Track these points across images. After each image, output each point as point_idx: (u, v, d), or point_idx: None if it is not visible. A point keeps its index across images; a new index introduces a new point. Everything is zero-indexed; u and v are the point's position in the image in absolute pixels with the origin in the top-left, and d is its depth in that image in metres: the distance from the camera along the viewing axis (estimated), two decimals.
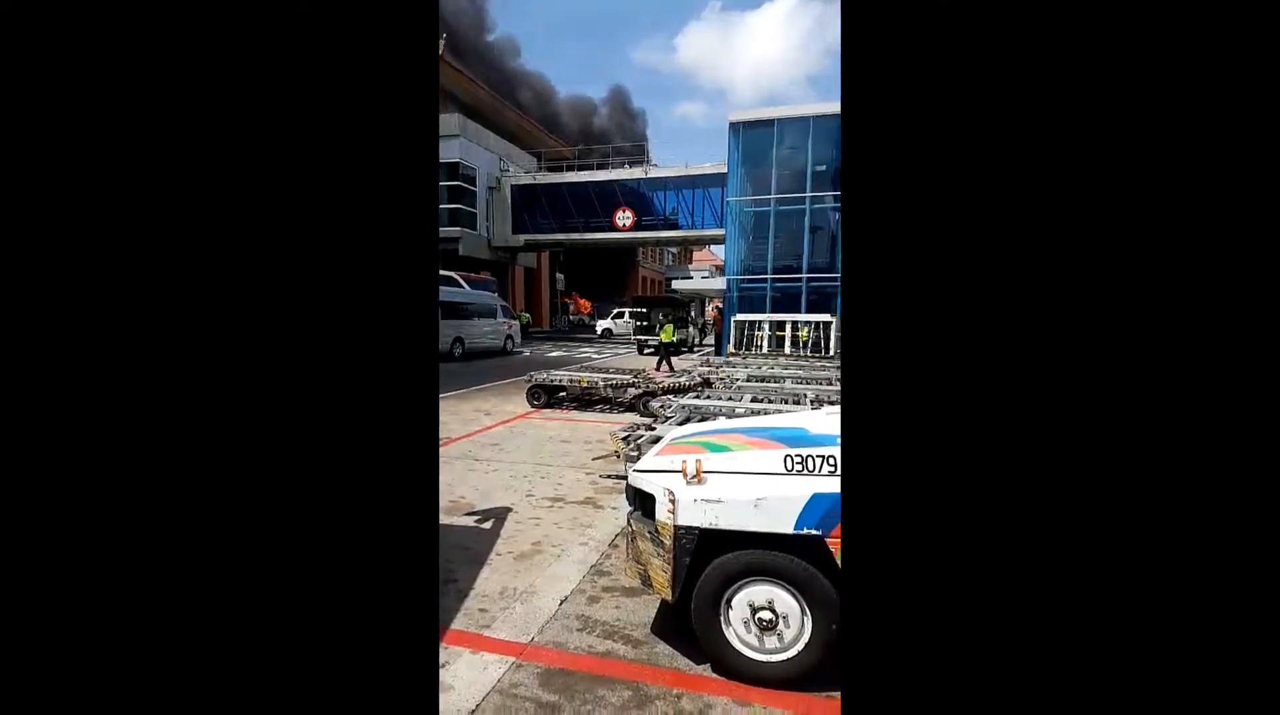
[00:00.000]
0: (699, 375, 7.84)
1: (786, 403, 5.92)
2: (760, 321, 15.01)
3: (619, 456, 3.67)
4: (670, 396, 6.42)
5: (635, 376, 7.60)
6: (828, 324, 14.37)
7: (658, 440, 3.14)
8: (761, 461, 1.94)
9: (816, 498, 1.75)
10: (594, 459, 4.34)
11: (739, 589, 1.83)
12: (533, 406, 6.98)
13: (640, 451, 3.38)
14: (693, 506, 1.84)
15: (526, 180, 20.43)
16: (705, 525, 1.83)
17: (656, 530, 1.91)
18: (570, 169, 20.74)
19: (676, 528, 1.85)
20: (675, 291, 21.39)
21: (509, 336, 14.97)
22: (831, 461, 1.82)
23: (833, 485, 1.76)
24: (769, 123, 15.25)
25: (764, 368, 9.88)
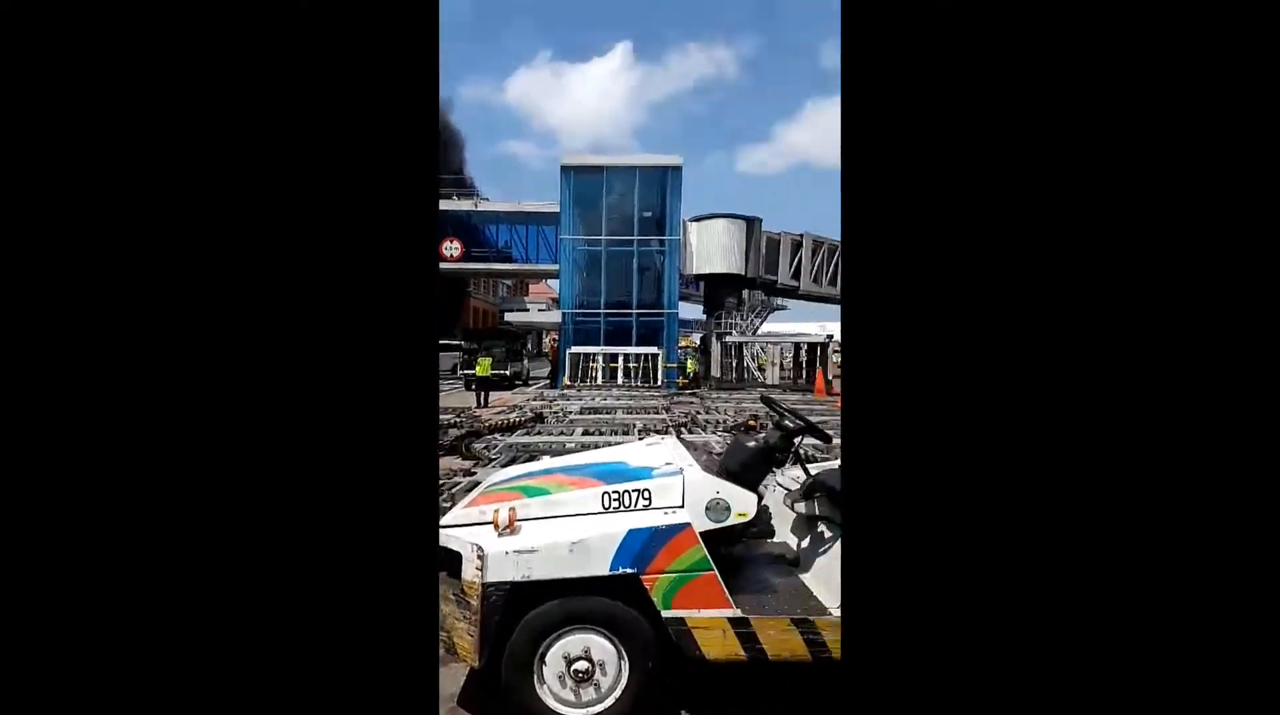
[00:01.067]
0: (531, 410, 7.65)
1: (616, 434, 6.04)
2: (595, 353, 15.35)
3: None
4: (497, 435, 6.13)
5: (458, 415, 7.15)
6: (655, 356, 15.20)
7: (477, 486, 2.93)
8: (579, 502, 1.89)
9: (631, 534, 1.74)
10: None
11: (553, 642, 1.73)
12: None
13: (454, 502, 3.12)
14: (504, 560, 1.71)
15: None
16: (518, 578, 1.71)
17: (462, 590, 1.73)
18: None
19: (485, 586, 1.70)
20: (509, 323, 20.93)
21: None
22: (646, 495, 1.83)
23: (648, 519, 1.77)
24: (599, 169, 16.06)
25: (597, 399, 10.04)
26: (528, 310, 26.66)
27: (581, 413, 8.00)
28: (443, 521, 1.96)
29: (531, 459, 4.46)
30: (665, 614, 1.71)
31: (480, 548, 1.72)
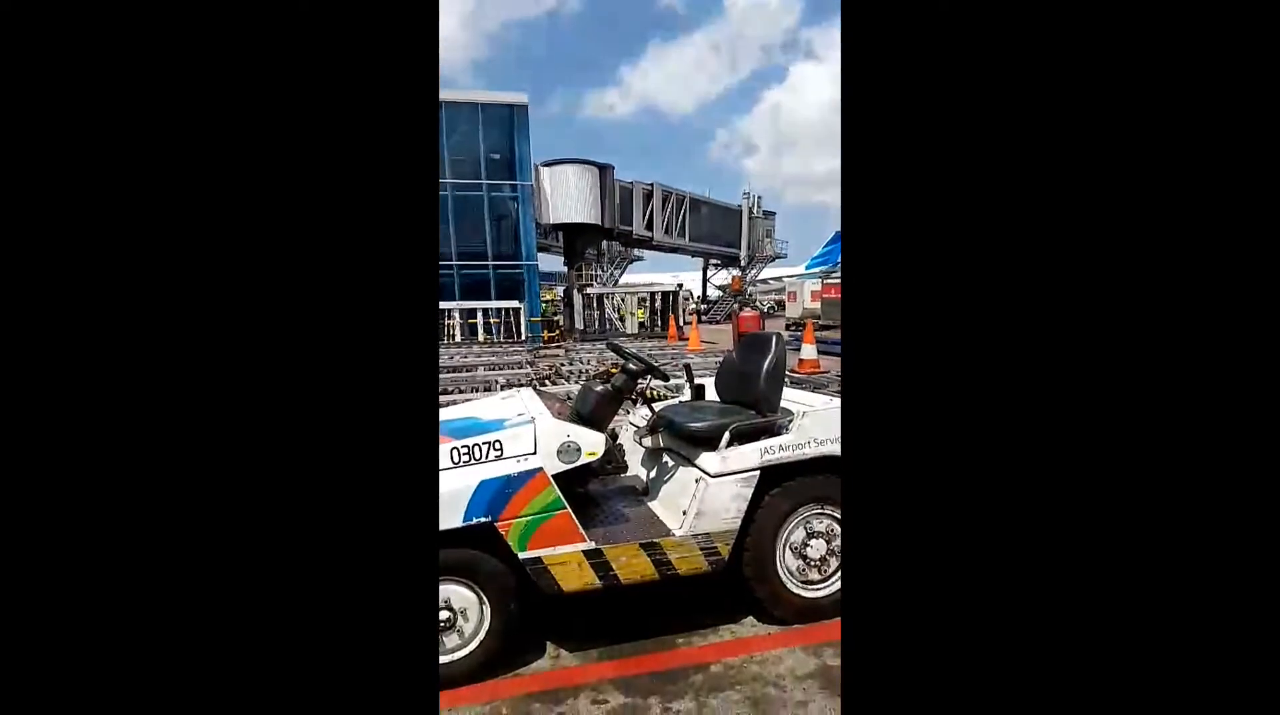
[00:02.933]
0: None
1: (478, 391, 5.88)
2: (450, 309, 14.51)
3: None
4: None
5: None
6: (516, 310, 14.81)
7: None
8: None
9: (483, 485, 1.75)
10: None
11: None
12: None
13: None
14: None
15: None
16: None
17: None
18: None
19: None
20: None
21: None
22: (498, 446, 1.83)
23: (500, 469, 1.79)
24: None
25: (456, 357, 9.60)
26: None
27: (441, 372, 7.64)
28: None
29: None
30: (522, 555, 1.77)
31: None
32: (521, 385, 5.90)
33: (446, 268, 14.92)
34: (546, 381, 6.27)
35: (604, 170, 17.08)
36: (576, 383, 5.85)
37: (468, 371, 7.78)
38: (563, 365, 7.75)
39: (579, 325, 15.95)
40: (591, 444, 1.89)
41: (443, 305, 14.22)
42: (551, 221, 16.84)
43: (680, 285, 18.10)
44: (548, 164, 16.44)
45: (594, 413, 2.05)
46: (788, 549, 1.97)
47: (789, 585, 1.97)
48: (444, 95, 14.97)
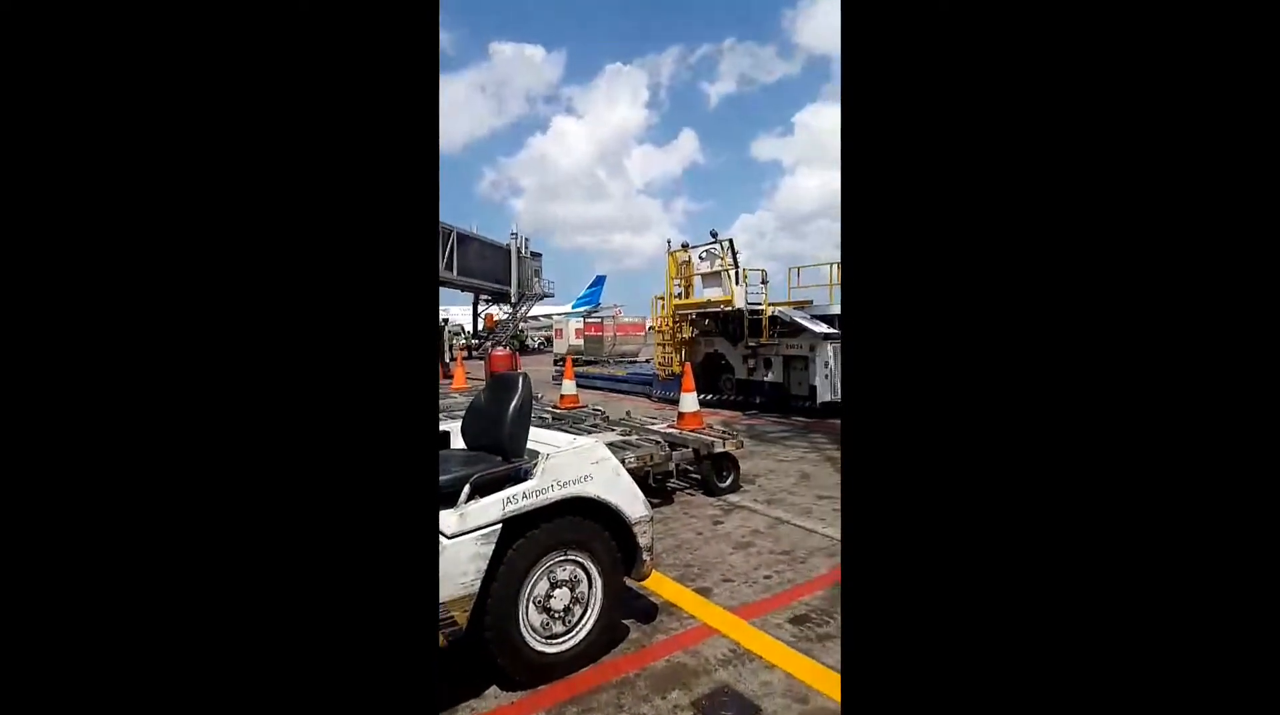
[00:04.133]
0: None
1: None
2: None
3: None
4: None
5: None
6: None
7: None
8: None
9: None
10: None
11: None
12: None
13: None
14: None
15: None
16: None
17: None
18: None
19: None
20: None
21: None
22: None
23: None
24: None
25: None
26: None
27: None
28: None
29: None
30: None
31: None
32: None
33: None
34: None
35: None
36: None
37: None
38: None
39: None
40: None
41: None
42: None
43: (447, 320, 17.15)
44: None
45: None
46: (531, 604, 1.87)
47: (533, 644, 1.87)
48: None
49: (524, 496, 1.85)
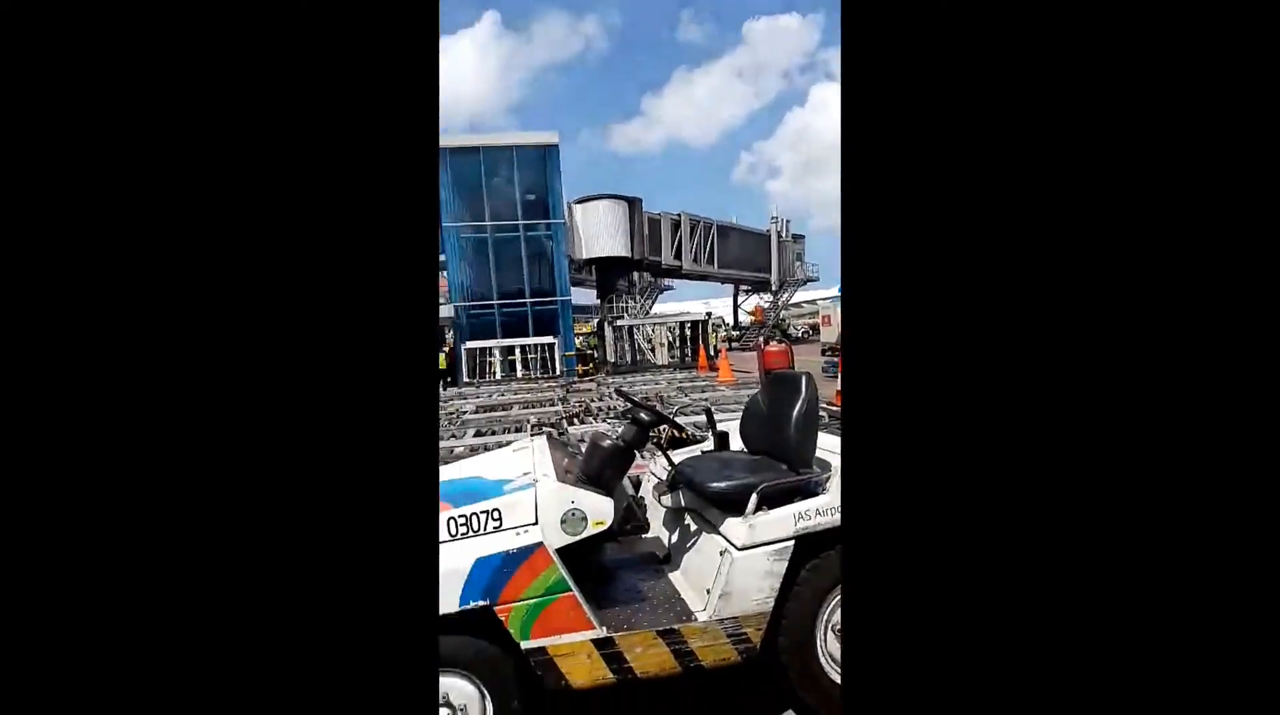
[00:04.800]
0: None
1: (510, 431, 5.78)
2: (491, 347, 14.73)
3: None
4: None
5: None
6: (551, 345, 14.87)
7: None
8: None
9: (480, 564, 1.57)
10: None
11: None
12: None
13: None
14: None
15: None
16: None
17: None
18: None
19: None
20: None
21: None
22: (496, 516, 1.66)
23: (497, 544, 1.60)
24: (475, 150, 15.20)
25: (495, 396, 9.62)
26: None
27: (476, 412, 7.61)
28: None
29: None
30: (525, 645, 1.57)
31: None
32: (551, 424, 5.76)
33: (488, 307, 15.24)
34: (575, 419, 6.11)
35: (633, 203, 17.25)
36: (605, 422, 5.66)
37: (503, 410, 7.74)
38: (593, 401, 7.61)
39: (611, 358, 15.87)
40: (599, 512, 1.68)
41: (483, 344, 14.45)
42: (584, 256, 17.05)
43: (709, 313, 17.80)
44: (579, 200, 16.73)
45: (601, 473, 1.85)
46: (830, 631, 1.69)
47: (832, 674, 1.68)
48: (481, 140, 15.56)
49: (817, 513, 1.68)
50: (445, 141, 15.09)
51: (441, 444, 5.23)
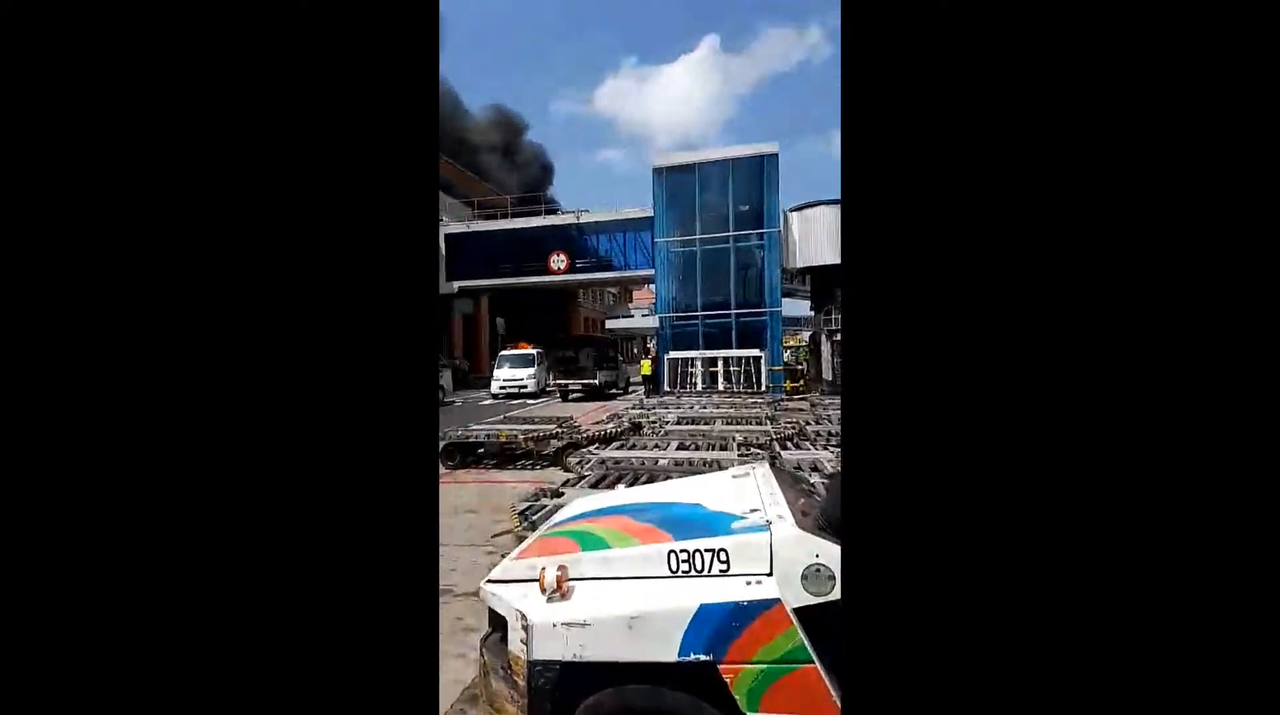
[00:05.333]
0: (629, 420, 7.47)
1: (714, 449, 5.63)
2: (693, 358, 14.97)
3: (516, 536, 3.19)
4: (593, 448, 5.97)
5: (560, 426, 7.11)
6: (757, 358, 14.48)
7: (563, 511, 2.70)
8: (642, 561, 1.55)
9: (705, 611, 1.38)
10: (494, 536, 3.81)
11: None
12: (446, 467, 6.35)
13: (536, 529, 2.93)
14: (551, 634, 1.43)
15: (459, 229, 19.98)
16: (568, 657, 1.41)
17: (509, 664, 1.47)
18: (504, 217, 20.51)
19: (531, 664, 1.42)
20: (610, 331, 21.20)
21: (439, 387, 14.20)
22: (724, 557, 1.46)
23: (726, 590, 1.40)
24: (690, 167, 15.73)
25: (696, 407, 9.65)
26: (631, 316, 26.83)
27: (679, 423, 7.68)
28: (490, 576, 1.72)
29: (620, 480, 4.22)
30: None
31: (524, 616, 1.45)
32: (759, 446, 5.44)
33: (692, 318, 15.57)
34: (789, 443, 5.67)
35: None
36: (824, 449, 5.13)
37: (705, 424, 7.66)
38: (807, 423, 7.02)
39: (826, 375, 14.80)
40: None
41: (686, 354, 14.77)
42: (799, 265, 16.32)
43: None
44: (796, 208, 16.09)
45: None
46: None
47: None
48: (695, 157, 16.03)
49: None
50: (658, 161, 15.91)
51: (643, 454, 5.30)
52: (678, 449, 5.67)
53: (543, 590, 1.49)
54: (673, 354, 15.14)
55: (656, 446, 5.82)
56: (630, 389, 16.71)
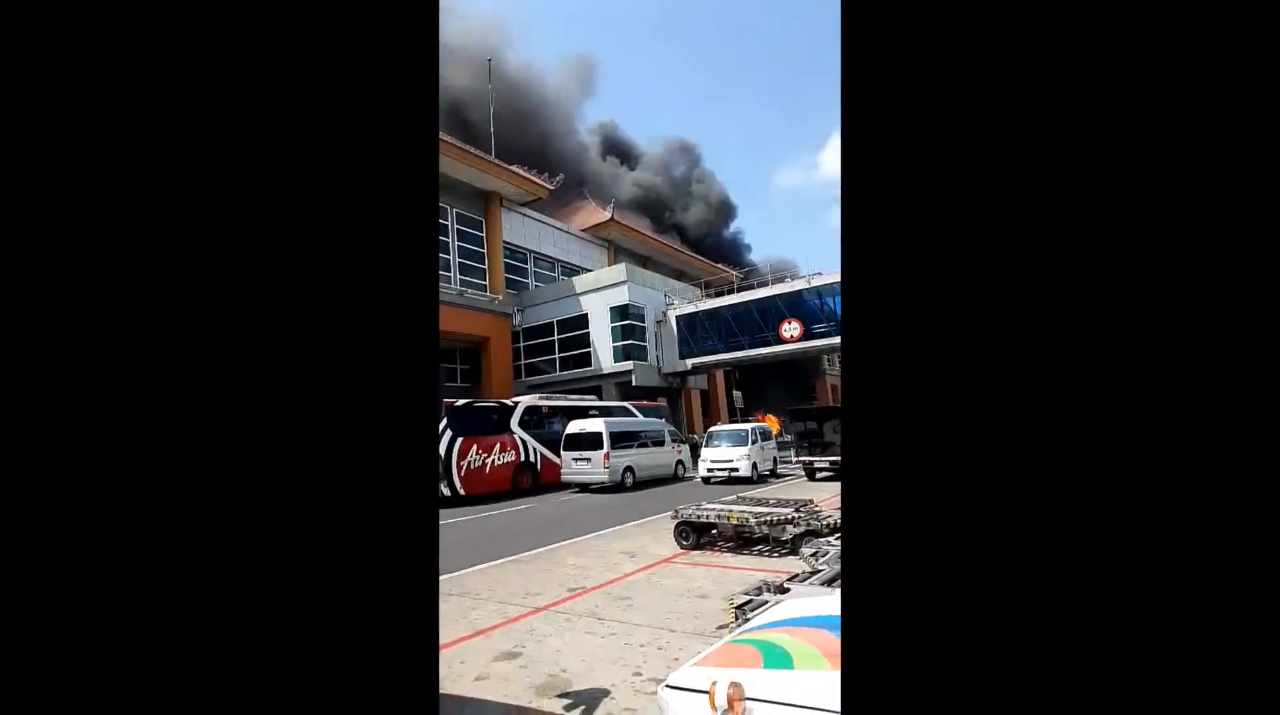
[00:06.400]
0: None
1: None
2: None
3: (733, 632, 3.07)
4: (833, 540, 5.44)
5: (797, 510, 6.65)
6: None
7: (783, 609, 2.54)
8: (827, 689, 1.37)
9: None
10: (719, 627, 3.73)
11: None
12: (681, 547, 6.52)
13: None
14: None
15: (689, 309, 21.53)
16: None
17: None
18: (731, 292, 21.41)
19: None
20: None
21: (679, 461, 14.86)
22: None
23: None
24: None
25: None
26: None
27: None
28: (669, 680, 1.70)
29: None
30: None
31: None
32: None
33: None
34: None
35: None
36: None
37: None
38: None
39: None
40: None
41: None
42: None
43: None
44: None
45: None
46: None
47: None
48: None
49: None
50: None
51: None
52: None
53: (713, 707, 1.42)
54: None
55: None
56: None
